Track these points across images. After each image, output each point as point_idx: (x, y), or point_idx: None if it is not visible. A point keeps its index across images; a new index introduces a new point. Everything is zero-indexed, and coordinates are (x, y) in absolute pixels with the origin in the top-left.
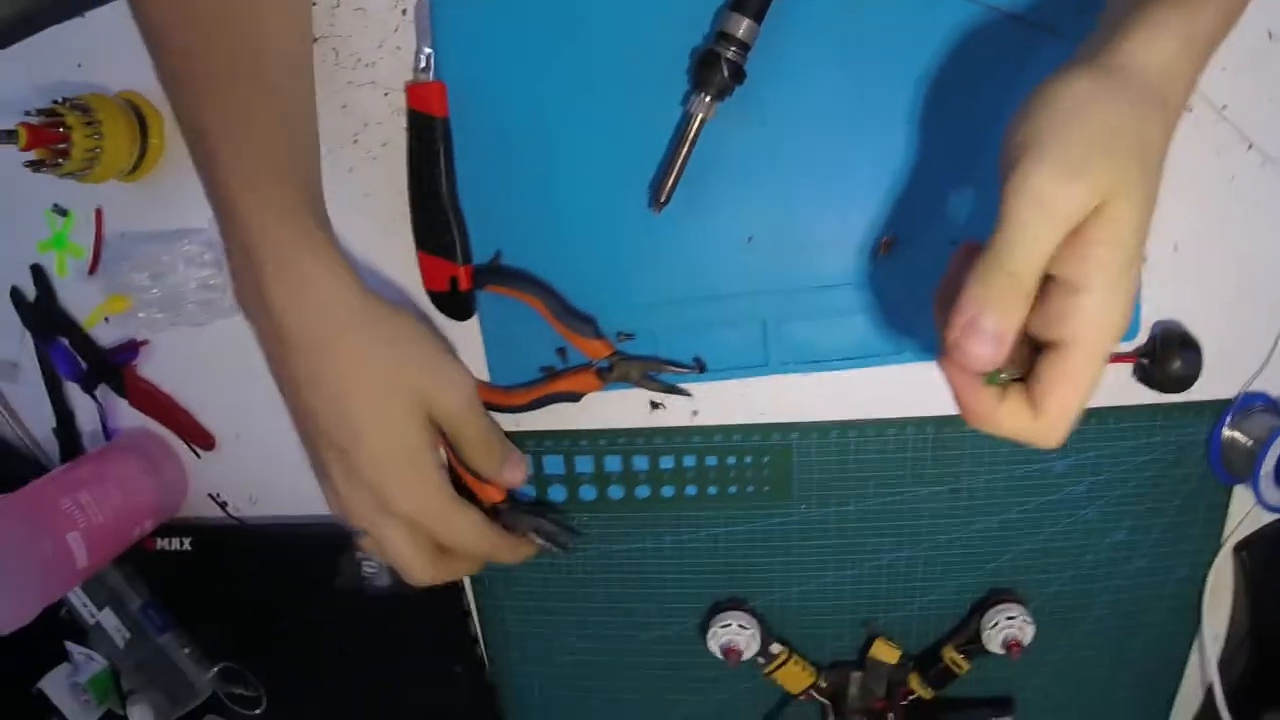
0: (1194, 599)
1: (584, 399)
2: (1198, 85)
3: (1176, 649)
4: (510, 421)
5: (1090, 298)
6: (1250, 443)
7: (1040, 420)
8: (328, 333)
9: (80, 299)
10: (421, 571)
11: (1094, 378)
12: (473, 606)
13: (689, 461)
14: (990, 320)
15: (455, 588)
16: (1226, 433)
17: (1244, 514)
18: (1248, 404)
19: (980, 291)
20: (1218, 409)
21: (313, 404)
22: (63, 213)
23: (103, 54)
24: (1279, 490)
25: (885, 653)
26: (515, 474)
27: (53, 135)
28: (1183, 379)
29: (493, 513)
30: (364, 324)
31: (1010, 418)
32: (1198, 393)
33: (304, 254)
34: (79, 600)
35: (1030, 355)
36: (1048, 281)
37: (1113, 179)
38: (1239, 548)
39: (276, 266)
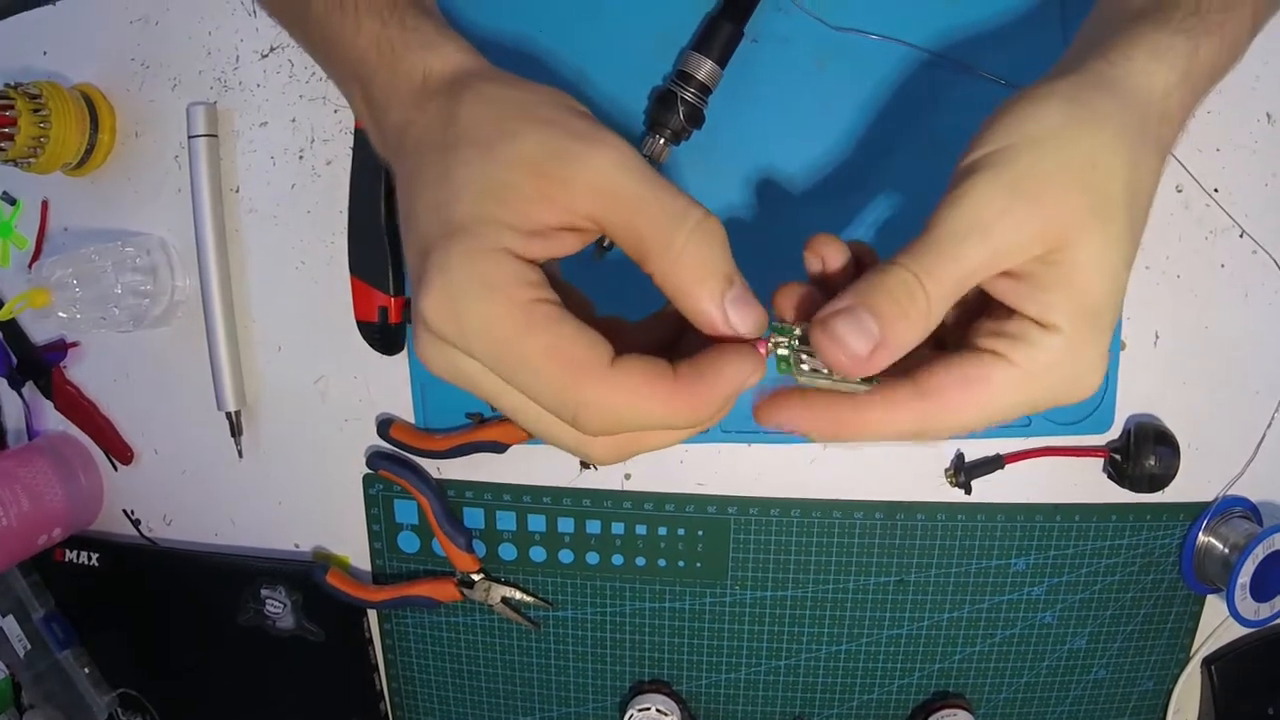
0: (1158, 714)
1: (509, 451)
2: (1185, 132)
3: None
4: (431, 467)
5: (1057, 337)
6: (1226, 550)
7: (927, 402)
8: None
9: (16, 291)
10: (580, 445)
11: (1012, 408)
12: (380, 661)
13: (617, 528)
14: (871, 323)
15: (361, 639)
16: (1202, 538)
17: (1215, 625)
18: (1226, 508)
19: (871, 288)
20: (1193, 512)
21: (410, 190)
22: (11, 201)
23: (69, 44)
24: (1255, 603)
25: None
26: (743, 314)
27: None
28: (1156, 478)
29: (462, 584)
30: (489, 75)
31: (885, 410)
32: (1172, 494)
33: (415, 40)
34: None
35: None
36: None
37: (1075, 216)
38: (1208, 661)
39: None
